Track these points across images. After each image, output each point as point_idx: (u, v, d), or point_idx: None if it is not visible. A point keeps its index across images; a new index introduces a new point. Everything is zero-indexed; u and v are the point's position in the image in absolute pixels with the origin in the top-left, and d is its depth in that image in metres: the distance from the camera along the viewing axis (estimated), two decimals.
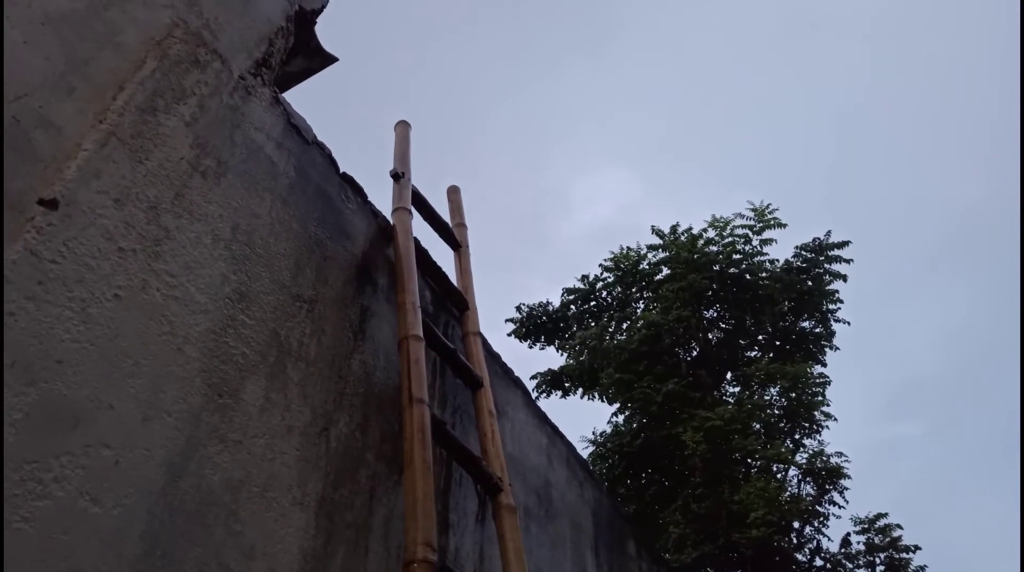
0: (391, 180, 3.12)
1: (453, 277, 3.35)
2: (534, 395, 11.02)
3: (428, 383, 2.74)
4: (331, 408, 2.17)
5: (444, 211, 3.74)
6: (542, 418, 3.92)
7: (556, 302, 11.27)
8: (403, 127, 3.37)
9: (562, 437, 4.08)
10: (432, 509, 1.81)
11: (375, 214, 2.80)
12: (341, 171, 2.61)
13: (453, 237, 3.50)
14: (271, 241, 2.16)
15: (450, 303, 3.17)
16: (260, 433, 1.87)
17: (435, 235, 3.55)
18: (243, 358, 1.90)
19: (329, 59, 2.71)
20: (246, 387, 1.87)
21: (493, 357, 3.57)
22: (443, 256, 3.45)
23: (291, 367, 2.07)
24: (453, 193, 3.81)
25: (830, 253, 9.42)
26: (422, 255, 2.90)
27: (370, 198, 2.80)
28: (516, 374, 3.74)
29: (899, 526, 8.07)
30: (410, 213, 2.90)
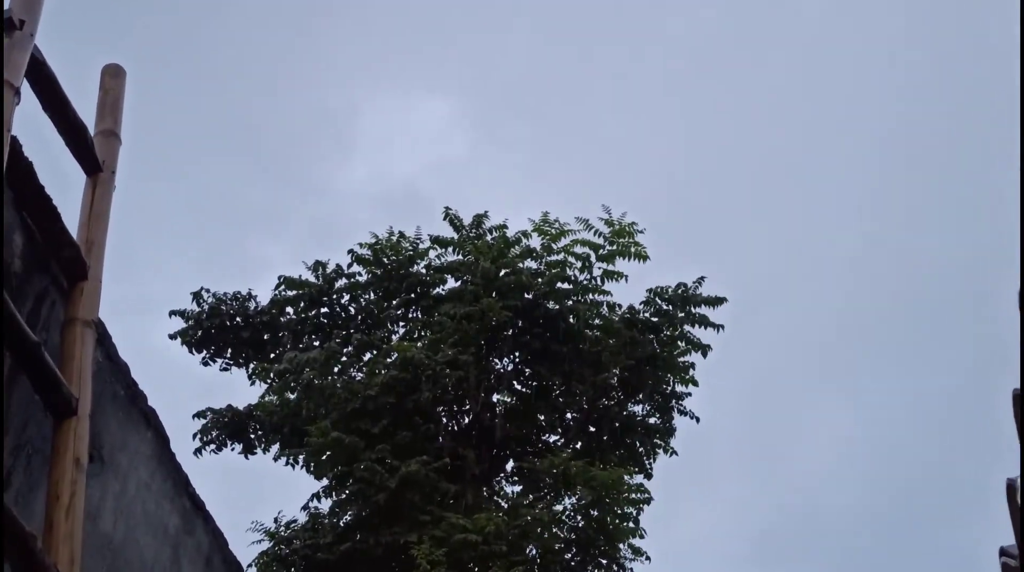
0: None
1: (74, 219, 3.23)
2: (194, 444, 10.85)
3: None
4: None
5: (91, 104, 3.60)
6: (180, 483, 3.86)
7: (264, 298, 11.16)
8: None
9: (207, 519, 4.04)
10: None
11: None
12: None
13: (91, 151, 3.36)
14: None
15: (56, 264, 3.04)
16: None
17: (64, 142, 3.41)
18: None
19: None
20: None
21: (117, 369, 3.48)
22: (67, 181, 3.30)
23: None
24: (111, 77, 3.65)
25: (695, 309, 10.10)
26: (23, 173, 2.77)
27: None
28: (151, 404, 3.67)
29: None
30: (17, 94, 2.75)
